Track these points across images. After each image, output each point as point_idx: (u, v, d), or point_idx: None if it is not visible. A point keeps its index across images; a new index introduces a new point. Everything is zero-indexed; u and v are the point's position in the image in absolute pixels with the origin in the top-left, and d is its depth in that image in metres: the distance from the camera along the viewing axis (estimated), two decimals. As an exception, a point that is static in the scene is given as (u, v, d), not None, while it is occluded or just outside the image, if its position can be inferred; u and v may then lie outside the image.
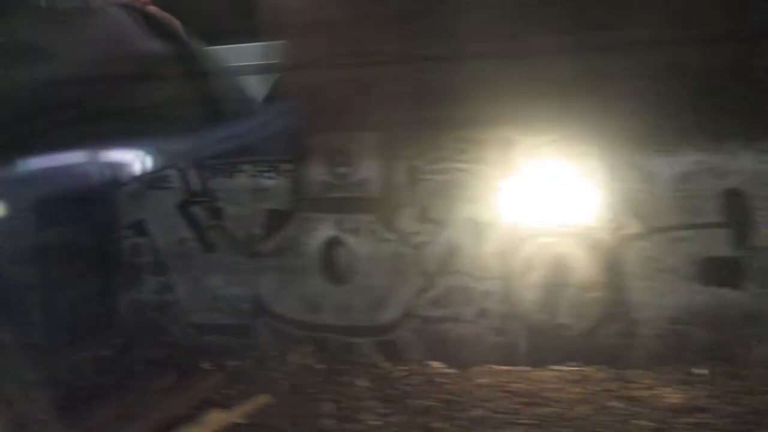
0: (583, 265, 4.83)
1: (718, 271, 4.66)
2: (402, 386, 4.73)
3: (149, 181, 5.37)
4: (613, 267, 4.79)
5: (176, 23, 6.38)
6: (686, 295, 4.70)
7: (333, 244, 5.17)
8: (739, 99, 4.54)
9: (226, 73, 6.54)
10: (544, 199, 4.85)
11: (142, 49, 5.99)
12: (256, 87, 6.49)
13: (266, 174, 5.22)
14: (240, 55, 6.52)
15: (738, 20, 4.53)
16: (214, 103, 6.09)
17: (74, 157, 5.29)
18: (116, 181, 5.36)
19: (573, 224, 4.82)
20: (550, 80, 4.70)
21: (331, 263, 5.19)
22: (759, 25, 4.50)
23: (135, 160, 5.46)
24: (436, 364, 5.04)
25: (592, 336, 4.86)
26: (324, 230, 5.18)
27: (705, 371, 4.61)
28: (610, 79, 4.64)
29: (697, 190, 4.64)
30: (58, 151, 5.15)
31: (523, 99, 4.67)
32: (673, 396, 4.34)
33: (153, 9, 6.33)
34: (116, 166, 5.44)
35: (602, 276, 4.81)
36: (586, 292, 4.84)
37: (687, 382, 4.50)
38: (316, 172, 5.16)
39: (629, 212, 4.74)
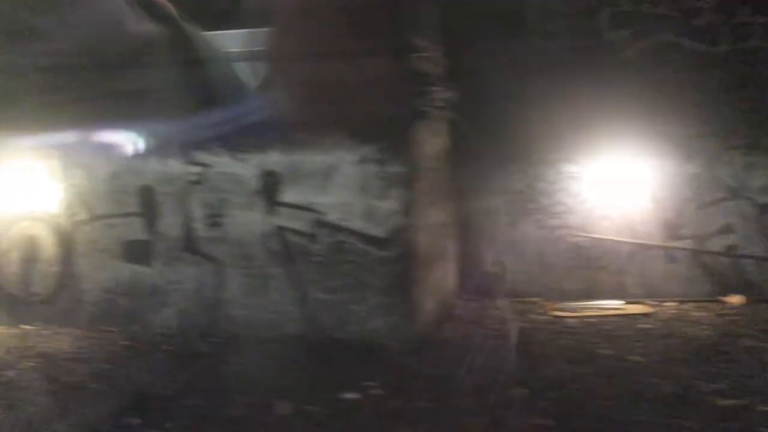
0: (48, 244, 6.05)
1: (135, 252, 5.85)
2: None
3: None
4: (67, 247, 6.00)
5: (170, 6, 6.57)
6: (115, 271, 5.89)
7: None
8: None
9: (221, 59, 6.75)
10: (25, 192, 6.10)
11: (135, 31, 6.21)
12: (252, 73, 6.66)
13: None
14: (236, 41, 6.79)
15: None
16: (207, 88, 6.28)
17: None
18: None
19: (42, 212, 6.05)
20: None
21: None
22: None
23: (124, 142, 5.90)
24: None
25: (52, 301, 6.04)
26: None
27: (114, 329, 5.77)
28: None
29: (124, 186, 5.86)
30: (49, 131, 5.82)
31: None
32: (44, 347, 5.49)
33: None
34: (106, 148, 5.91)
35: (60, 253, 6.01)
36: (49, 266, 6.04)
37: (91, 338, 5.66)
38: None
39: (79, 203, 5.96)
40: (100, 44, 5.94)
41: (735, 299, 6.40)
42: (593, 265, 6.78)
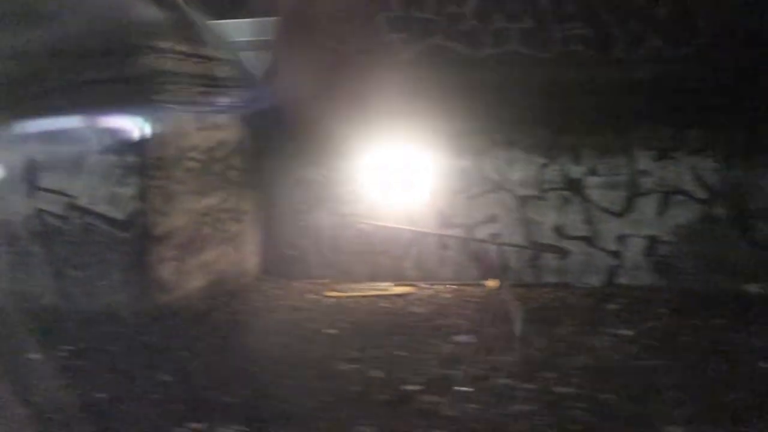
0: None
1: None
2: None
3: None
4: None
5: None
6: None
7: None
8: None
9: (227, 47, 6.90)
10: None
11: (139, 18, 6.17)
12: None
13: None
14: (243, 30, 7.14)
15: None
16: (212, 76, 6.42)
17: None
18: None
19: None
20: None
21: None
22: None
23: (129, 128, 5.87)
24: None
25: None
26: None
27: None
28: None
29: None
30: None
31: None
32: None
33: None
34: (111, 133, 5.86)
35: None
36: None
37: None
38: None
39: None
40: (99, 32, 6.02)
41: (491, 283, 6.97)
42: (376, 250, 7.35)
